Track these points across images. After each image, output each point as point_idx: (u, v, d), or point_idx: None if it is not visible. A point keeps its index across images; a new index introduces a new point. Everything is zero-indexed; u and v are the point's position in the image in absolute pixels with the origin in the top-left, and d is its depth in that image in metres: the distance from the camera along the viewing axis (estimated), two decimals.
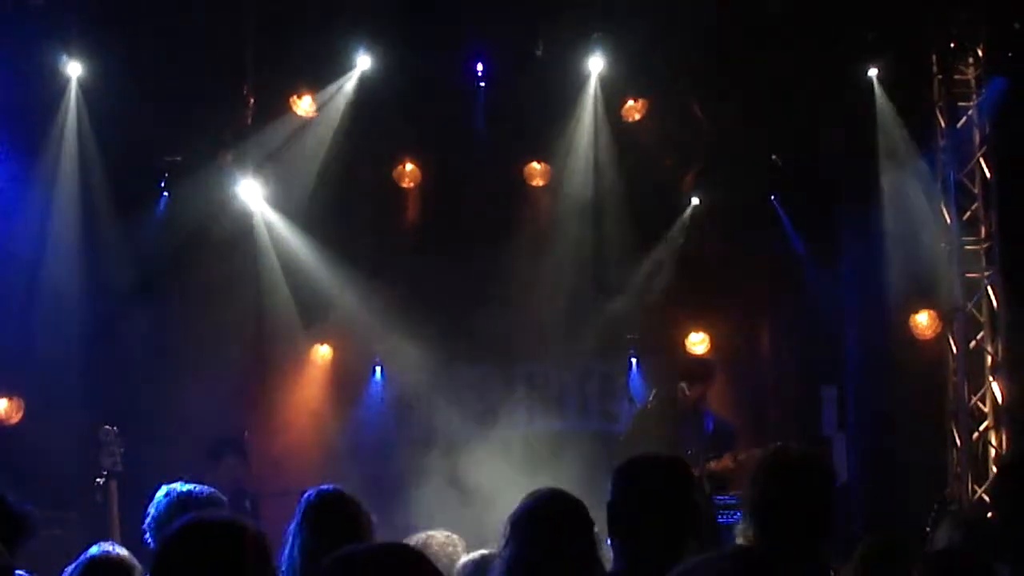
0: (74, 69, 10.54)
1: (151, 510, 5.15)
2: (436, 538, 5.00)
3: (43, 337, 10.59)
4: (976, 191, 10.95)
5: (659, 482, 3.76)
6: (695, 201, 11.78)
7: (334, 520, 4.72)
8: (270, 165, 11.30)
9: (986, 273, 10.88)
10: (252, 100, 11.10)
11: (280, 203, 11.53)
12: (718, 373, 10.26)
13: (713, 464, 9.37)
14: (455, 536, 5.07)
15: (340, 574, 2.97)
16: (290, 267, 11.72)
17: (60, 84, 10.59)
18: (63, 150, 10.70)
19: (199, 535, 3.44)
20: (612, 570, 3.90)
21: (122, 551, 4.63)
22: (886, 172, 11.01)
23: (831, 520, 4.02)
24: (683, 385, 9.70)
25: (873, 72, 10.96)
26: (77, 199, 10.81)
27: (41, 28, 10.23)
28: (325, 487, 4.93)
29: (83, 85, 10.62)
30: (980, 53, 10.82)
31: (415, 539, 4.94)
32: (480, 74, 11.30)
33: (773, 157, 11.48)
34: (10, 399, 10.54)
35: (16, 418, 10.54)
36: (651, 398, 10.12)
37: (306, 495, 4.88)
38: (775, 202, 11.75)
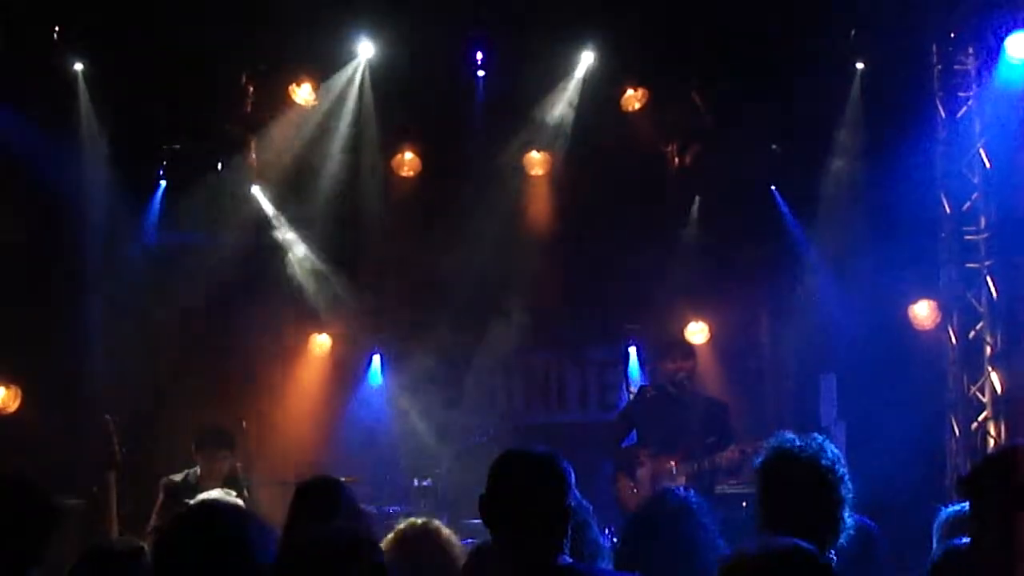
0: (78, 65, 10.55)
1: None
2: (443, 529, 4.97)
3: (41, 325, 10.60)
4: (975, 181, 10.94)
5: (529, 476, 3.79)
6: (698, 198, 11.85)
7: (318, 506, 4.76)
8: (269, 153, 11.31)
9: (986, 263, 10.87)
10: (251, 88, 11.09)
11: (277, 190, 11.54)
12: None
13: (717, 458, 9.36)
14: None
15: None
16: (288, 255, 11.73)
17: (67, 78, 10.59)
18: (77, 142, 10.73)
19: (201, 516, 3.48)
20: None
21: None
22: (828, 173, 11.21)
23: (833, 508, 4.07)
24: (673, 357, 9.69)
25: (860, 65, 10.98)
26: (80, 186, 10.82)
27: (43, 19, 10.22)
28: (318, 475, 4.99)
29: (86, 76, 10.62)
30: (980, 44, 10.79)
31: (405, 526, 4.92)
32: (479, 62, 11.27)
33: (773, 146, 11.46)
34: (7, 387, 10.54)
35: (13, 407, 10.54)
36: (648, 388, 10.10)
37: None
38: (775, 191, 11.74)
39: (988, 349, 10.79)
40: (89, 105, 10.65)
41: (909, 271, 10.92)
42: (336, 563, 3.17)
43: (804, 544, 2.98)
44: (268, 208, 11.61)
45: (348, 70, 11.17)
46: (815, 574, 2.88)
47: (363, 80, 11.19)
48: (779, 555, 2.89)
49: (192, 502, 6.81)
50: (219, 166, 11.11)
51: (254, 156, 11.20)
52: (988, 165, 10.83)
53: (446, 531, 4.87)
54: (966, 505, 4.76)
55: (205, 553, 3.32)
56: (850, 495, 4.15)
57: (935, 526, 4.75)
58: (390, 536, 4.77)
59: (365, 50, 11.05)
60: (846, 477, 4.17)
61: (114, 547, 4.49)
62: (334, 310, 11.91)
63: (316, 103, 11.28)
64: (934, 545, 4.55)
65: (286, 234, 11.72)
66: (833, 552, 4.13)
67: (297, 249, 11.75)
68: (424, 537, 4.76)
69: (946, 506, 4.83)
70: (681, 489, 4.75)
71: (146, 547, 4.55)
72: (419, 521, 4.87)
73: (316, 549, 3.22)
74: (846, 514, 4.12)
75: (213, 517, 3.49)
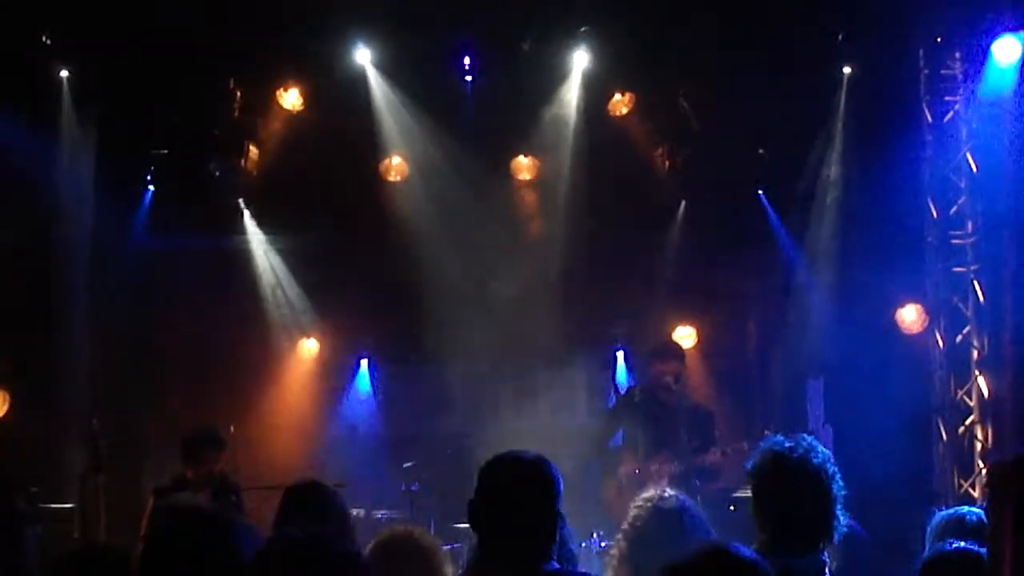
0: (63, 72, 10.53)
1: None
2: (426, 536, 4.94)
3: (29, 330, 10.56)
4: (962, 185, 10.97)
5: (518, 481, 3.79)
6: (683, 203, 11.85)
7: (305, 508, 4.75)
8: (256, 159, 11.28)
9: (972, 267, 10.89)
10: (239, 93, 11.07)
11: (266, 196, 11.53)
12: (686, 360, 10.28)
13: (700, 460, 9.35)
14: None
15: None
16: (277, 261, 11.72)
17: (54, 84, 10.55)
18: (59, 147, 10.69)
19: (186, 522, 3.47)
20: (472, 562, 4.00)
21: None
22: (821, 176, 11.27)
23: (826, 506, 4.07)
24: (661, 359, 9.65)
25: (847, 70, 11.02)
26: (68, 191, 10.80)
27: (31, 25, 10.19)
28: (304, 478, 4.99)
29: (71, 82, 10.60)
30: (966, 49, 10.82)
31: (389, 533, 4.89)
32: (467, 68, 11.27)
33: (761, 151, 11.48)
34: None
35: (1, 412, 10.50)
36: (635, 390, 10.10)
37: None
38: (762, 195, 11.76)
39: (975, 353, 10.81)
40: (72, 111, 10.63)
41: (896, 275, 10.94)
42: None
43: (740, 549, 2.92)
44: (257, 213, 11.59)
45: (336, 75, 11.16)
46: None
47: (350, 85, 11.17)
48: (707, 558, 2.85)
49: (175, 504, 6.77)
50: (207, 170, 11.08)
51: (242, 161, 11.17)
52: (975, 169, 10.85)
53: (429, 538, 4.85)
54: (959, 509, 4.77)
55: (190, 558, 3.32)
56: (843, 493, 4.16)
57: (928, 529, 4.76)
58: (372, 544, 4.76)
59: (352, 55, 11.04)
60: (837, 475, 4.18)
61: (92, 549, 4.47)
62: (322, 315, 11.89)
63: (304, 108, 11.27)
64: (926, 548, 4.55)
65: (273, 239, 11.70)
66: (826, 552, 4.13)
67: (283, 254, 11.73)
68: (407, 544, 4.74)
69: (939, 509, 4.84)
70: (678, 495, 4.74)
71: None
72: (402, 528, 4.86)
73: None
74: (839, 512, 4.12)
75: (198, 522, 3.48)
